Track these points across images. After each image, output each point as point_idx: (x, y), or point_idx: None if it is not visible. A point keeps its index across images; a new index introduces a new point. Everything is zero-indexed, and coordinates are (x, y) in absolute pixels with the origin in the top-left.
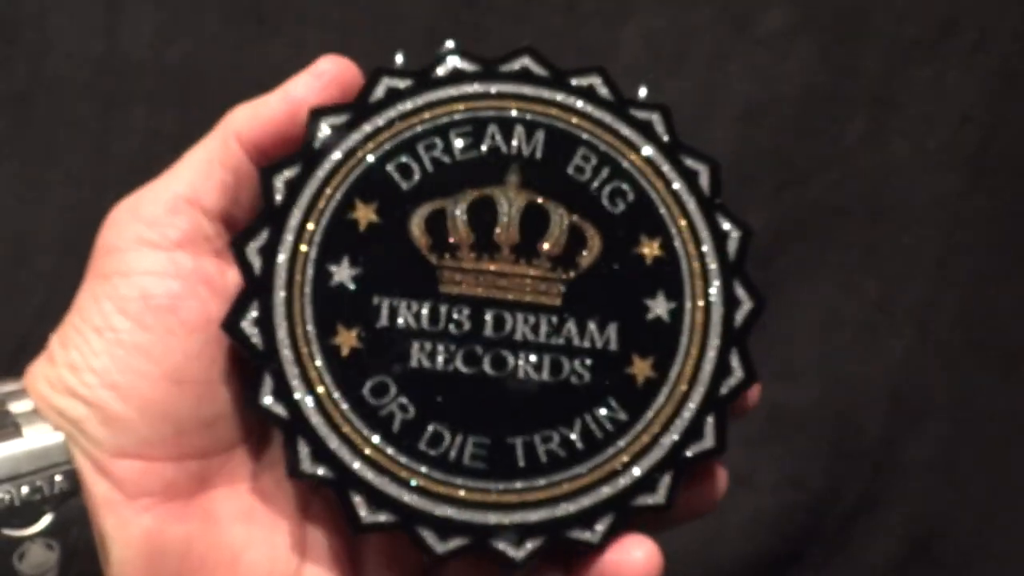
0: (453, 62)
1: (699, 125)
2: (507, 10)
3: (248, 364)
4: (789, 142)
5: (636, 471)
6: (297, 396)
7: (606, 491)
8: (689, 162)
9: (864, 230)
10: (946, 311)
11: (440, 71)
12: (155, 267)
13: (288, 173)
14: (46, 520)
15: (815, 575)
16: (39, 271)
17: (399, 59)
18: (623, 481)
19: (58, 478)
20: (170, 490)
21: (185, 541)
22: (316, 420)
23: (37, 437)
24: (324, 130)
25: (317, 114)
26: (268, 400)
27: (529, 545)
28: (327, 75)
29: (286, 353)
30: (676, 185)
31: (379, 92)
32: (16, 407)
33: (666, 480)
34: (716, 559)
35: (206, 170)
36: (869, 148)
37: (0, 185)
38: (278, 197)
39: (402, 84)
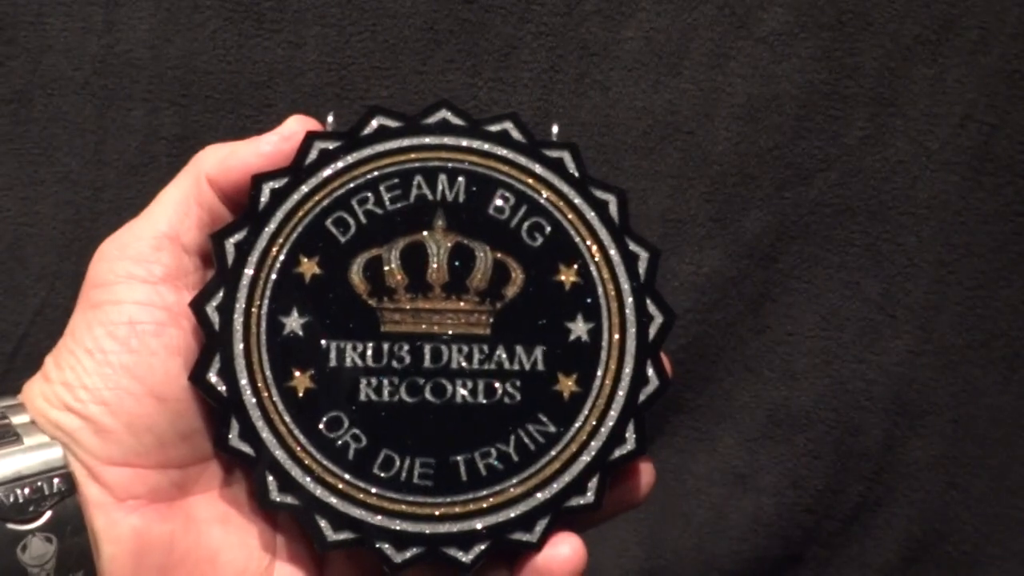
0: (378, 121)
1: (699, 125)
2: (507, 10)
3: (215, 410)
4: (789, 142)
5: (567, 477)
6: (263, 436)
7: (541, 496)
8: (598, 193)
9: (865, 230)
10: (947, 311)
11: (366, 130)
12: (142, 298)
13: (238, 236)
14: (46, 517)
15: (815, 575)
16: (38, 271)
17: (330, 120)
18: (556, 486)
19: (56, 480)
20: (154, 494)
21: (168, 539)
22: (280, 455)
23: (36, 444)
24: (266, 194)
25: (259, 180)
26: (235, 441)
27: (476, 549)
28: (295, 138)
29: (248, 398)
30: (588, 215)
31: (313, 155)
32: (16, 419)
33: (594, 482)
34: (716, 559)
35: (184, 210)
36: (870, 148)
37: None
38: (230, 259)
39: (332, 145)
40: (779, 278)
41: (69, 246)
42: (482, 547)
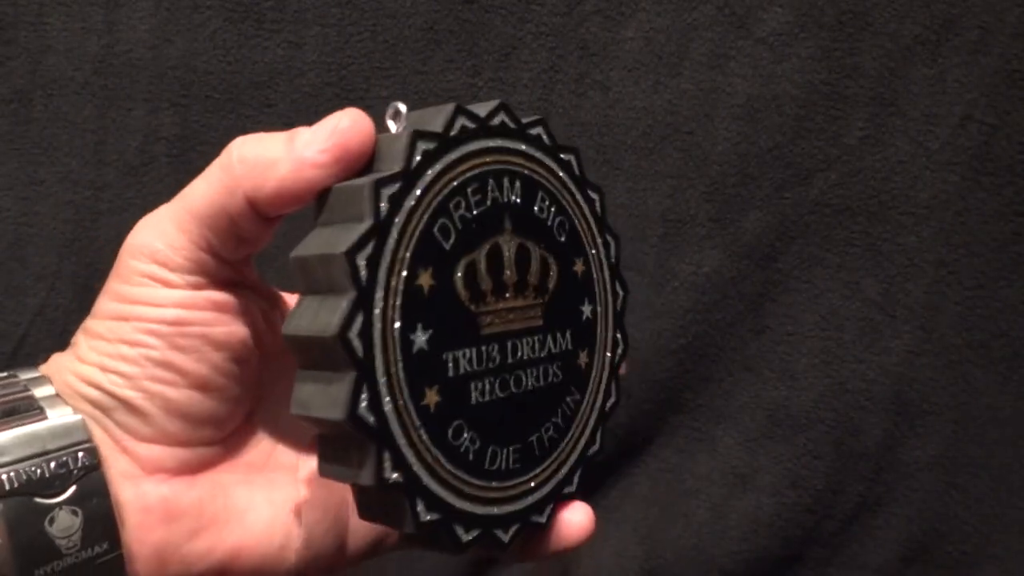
0: (460, 120)
1: (699, 125)
2: (507, 10)
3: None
4: (789, 142)
5: (587, 432)
6: (411, 463)
7: (576, 454)
8: (590, 192)
9: (865, 230)
10: (947, 311)
11: (452, 131)
12: (186, 301)
13: (366, 252)
14: (71, 490)
15: (815, 575)
16: (38, 271)
17: (402, 109)
18: (582, 441)
19: (81, 455)
20: (183, 468)
21: (198, 505)
22: (426, 477)
23: (61, 420)
24: (385, 200)
25: (379, 185)
26: (388, 473)
27: (547, 509)
28: (349, 141)
29: (396, 427)
30: (586, 211)
31: (418, 156)
32: (38, 392)
33: (598, 433)
34: (716, 559)
35: (215, 223)
36: (870, 147)
37: None
38: (363, 278)
39: (431, 146)
40: (779, 278)
41: (69, 246)
42: (551, 507)
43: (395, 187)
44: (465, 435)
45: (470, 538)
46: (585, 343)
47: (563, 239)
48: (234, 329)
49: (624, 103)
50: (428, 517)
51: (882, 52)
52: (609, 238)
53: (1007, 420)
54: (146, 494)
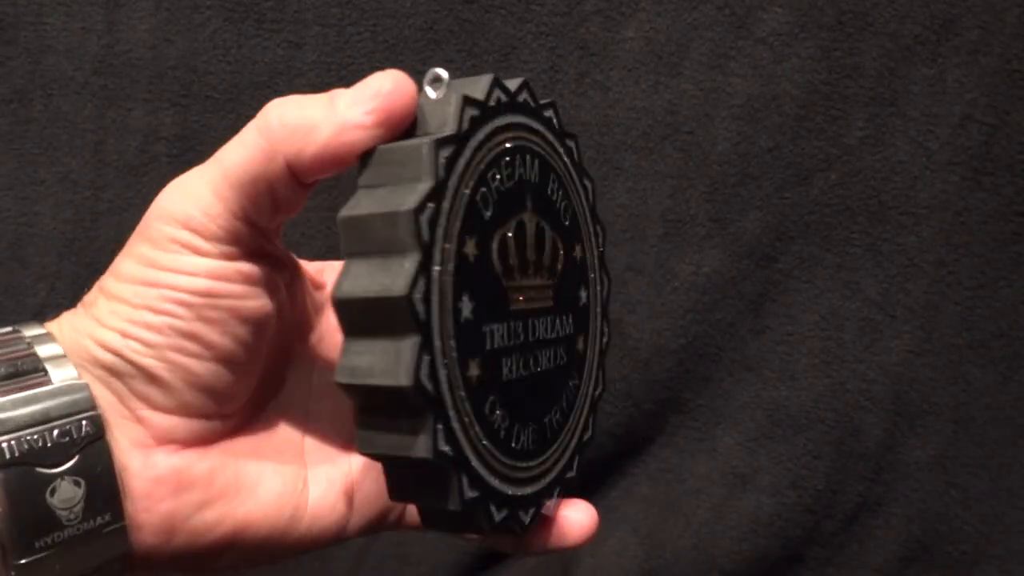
0: (496, 93)
1: (699, 125)
2: (507, 10)
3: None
4: (789, 142)
5: (583, 418)
6: (459, 438)
7: (576, 439)
8: (586, 180)
9: (865, 230)
10: (947, 311)
11: (491, 102)
12: (218, 272)
13: (427, 214)
14: (74, 460)
15: (815, 575)
16: (38, 271)
17: (443, 74)
18: (580, 427)
19: (84, 423)
20: (195, 439)
21: (209, 475)
22: (472, 456)
23: (65, 385)
24: (442, 162)
25: (438, 145)
26: (443, 446)
27: (555, 493)
28: (385, 97)
29: (448, 401)
30: (582, 197)
31: (465, 123)
32: (43, 351)
33: (591, 421)
34: (716, 559)
35: (253, 190)
36: (870, 148)
37: None
38: (425, 237)
39: (476, 113)
40: (779, 278)
41: (69, 246)
42: (557, 491)
43: (450, 149)
44: (498, 411)
45: (500, 518)
46: (582, 328)
47: (567, 223)
48: (262, 303)
49: (624, 103)
50: (471, 495)
51: (882, 52)
52: (599, 228)
53: (1007, 420)
54: (157, 464)
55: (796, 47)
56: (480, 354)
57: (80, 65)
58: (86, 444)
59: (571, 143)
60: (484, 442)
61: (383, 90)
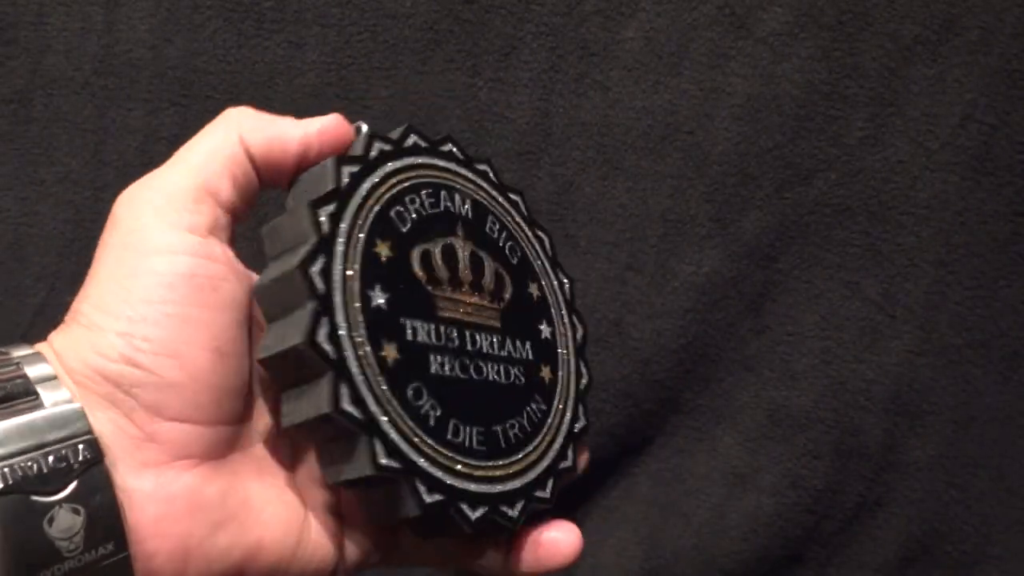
0: (412, 138)
1: (699, 125)
2: (507, 10)
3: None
4: (789, 142)
5: (556, 445)
6: (368, 402)
7: (545, 462)
8: (539, 232)
9: (865, 230)
10: (947, 311)
11: (406, 143)
12: (196, 250)
13: (328, 208)
14: (71, 487)
15: (815, 575)
16: (38, 271)
17: (363, 127)
18: (551, 453)
19: (81, 447)
20: (207, 452)
21: (221, 496)
22: (383, 421)
23: (58, 408)
24: (346, 176)
25: (340, 162)
26: (347, 405)
27: (518, 505)
28: (335, 132)
29: (353, 365)
30: (537, 247)
31: (374, 152)
32: (33, 372)
33: (570, 450)
34: (716, 559)
35: (220, 168)
36: (870, 148)
37: None
38: (325, 228)
39: (387, 148)
40: (779, 278)
41: (69, 246)
42: (521, 504)
43: (355, 168)
44: (425, 399)
45: (432, 500)
46: (546, 359)
47: (515, 262)
48: (240, 287)
49: (624, 103)
50: (387, 462)
51: (882, 52)
52: (564, 278)
53: (1007, 420)
54: (169, 483)
55: (796, 47)
56: (397, 340)
57: (80, 65)
58: (84, 470)
59: (516, 197)
60: (408, 422)
61: (331, 122)
